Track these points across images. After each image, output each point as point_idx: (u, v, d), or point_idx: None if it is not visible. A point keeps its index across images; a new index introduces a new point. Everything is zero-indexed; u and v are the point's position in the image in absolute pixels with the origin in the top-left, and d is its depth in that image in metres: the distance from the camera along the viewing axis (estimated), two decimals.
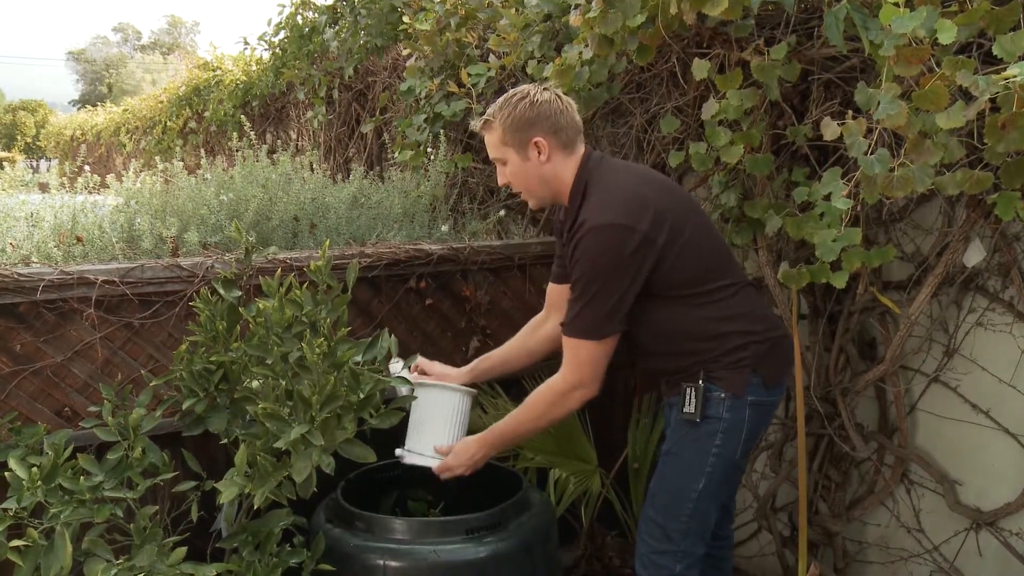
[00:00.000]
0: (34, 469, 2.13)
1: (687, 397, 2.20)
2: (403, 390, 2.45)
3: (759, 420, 2.26)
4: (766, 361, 2.22)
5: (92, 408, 2.38)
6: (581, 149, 2.26)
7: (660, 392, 2.53)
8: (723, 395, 2.18)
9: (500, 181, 2.30)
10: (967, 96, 1.91)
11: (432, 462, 2.47)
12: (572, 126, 2.23)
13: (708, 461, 2.21)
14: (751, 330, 2.23)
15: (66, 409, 2.49)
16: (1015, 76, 1.77)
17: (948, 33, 1.86)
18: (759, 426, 2.28)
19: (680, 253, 2.14)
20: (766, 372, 2.22)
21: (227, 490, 2.23)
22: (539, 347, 2.63)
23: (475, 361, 2.69)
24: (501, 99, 2.24)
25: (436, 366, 2.63)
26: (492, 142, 2.26)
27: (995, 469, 2.61)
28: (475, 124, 2.32)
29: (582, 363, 2.19)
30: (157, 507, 2.32)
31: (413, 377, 2.52)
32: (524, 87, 2.26)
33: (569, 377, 2.22)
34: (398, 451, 2.52)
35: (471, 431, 2.50)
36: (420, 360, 2.60)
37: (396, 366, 2.51)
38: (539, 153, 2.21)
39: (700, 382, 2.19)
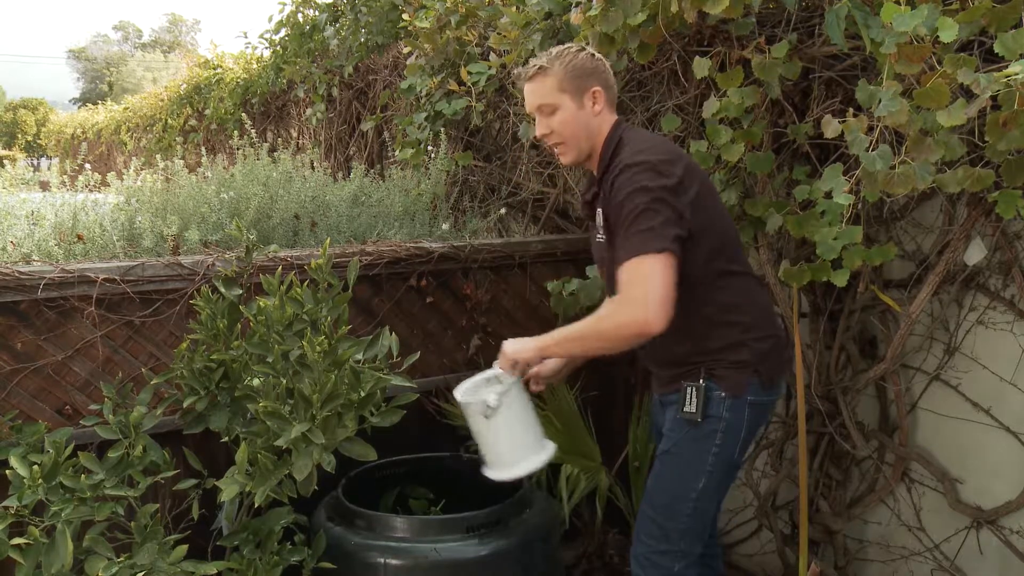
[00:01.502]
0: (35, 467, 2.14)
1: (688, 396, 2.17)
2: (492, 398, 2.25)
3: (757, 419, 2.25)
4: (766, 361, 2.21)
5: (93, 406, 2.38)
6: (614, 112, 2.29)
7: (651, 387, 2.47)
8: (723, 394, 2.16)
9: (539, 132, 2.25)
10: (968, 94, 1.91)
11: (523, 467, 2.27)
12: (613, 88, 2.27)
13: (708, 460, 2.19)
14: (755, 324, 2.20)
15: (67, 407, 2.49)
16: (1016, 74, 1.77)
17: (949, 31, 1.86)
18: (757, 425, 2.27)
19: (703, 222, 2.11)
20: (765, 373, 2.20)
21: (228, 488, 2.24)
22: None
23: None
24: (554, 50, 2.22)
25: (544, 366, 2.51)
26: (544, 88, 2.21)
27: (996, 467, 2.61)
28: (524, 71, 2.26)
29: (637, 293, 1.99)
30: (158, 505, 2.32)
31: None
32: (571, 43, 2.28)
33: (624, 309, 2.01)
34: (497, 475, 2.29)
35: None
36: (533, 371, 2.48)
37: (461, 389, 2.33)
38: (594, 103, 2.21)
39: (701, 381, 2.16)
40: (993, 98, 1.84)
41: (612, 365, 2.29)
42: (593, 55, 2.22)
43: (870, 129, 2.08)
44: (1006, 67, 1.80)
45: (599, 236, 2.25)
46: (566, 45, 2.25)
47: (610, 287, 2.24)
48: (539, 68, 2.21)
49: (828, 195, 2.24)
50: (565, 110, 2.20)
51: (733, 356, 2.17)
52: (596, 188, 2.23)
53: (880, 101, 1.98)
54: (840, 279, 2.35)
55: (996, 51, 1.87)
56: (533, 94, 2.23)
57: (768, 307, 2.31)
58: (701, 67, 2.56)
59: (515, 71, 2.32)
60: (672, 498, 2.23)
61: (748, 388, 2.17)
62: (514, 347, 2.23)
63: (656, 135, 2.31)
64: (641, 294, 1.98)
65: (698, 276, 2.13)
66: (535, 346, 2.21)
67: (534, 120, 2.27)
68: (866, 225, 2.64)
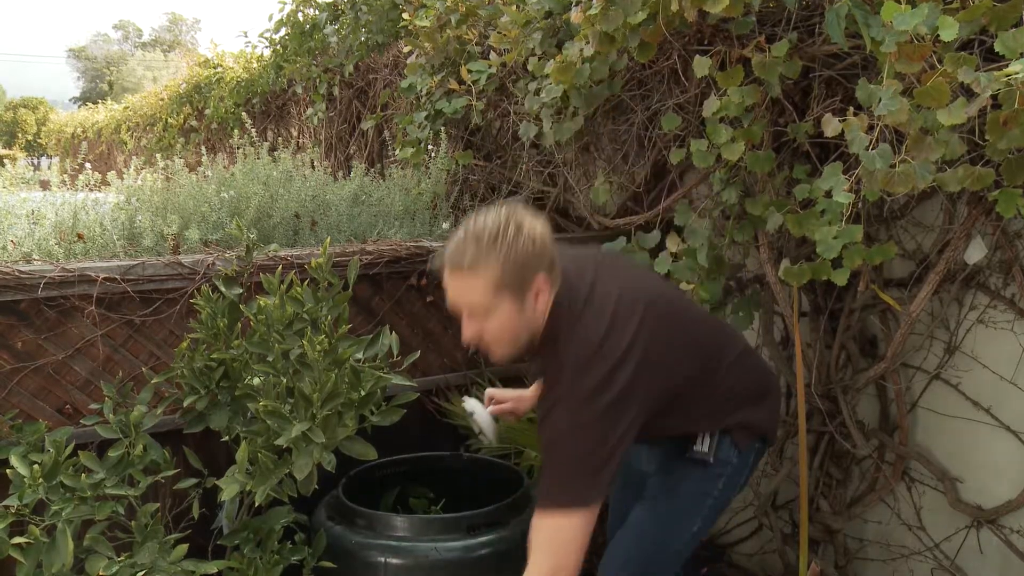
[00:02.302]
0: (35, 466, 2.14)
1: (700, 438, 2.08)
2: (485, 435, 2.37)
3: (757, 461, 2.22)
4: (770, 423, 2.20)
5: (93, 405, 2.38)
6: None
7: None
8: (732, 443, 2.11)
9: (466, 335, 1.87)
10: (968, 93, 1.90)
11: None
12: (557, 260, 1.88)
13: (708, 503, 2.12)
14: (757, 399, 2.15)
15: (67, 406, 2.49)
16: (1017, 73, 1.76)
17: (950, 30, 1.86)
18: (755, 468, 2.24)
19: (672, 380, 1.95)
20: (771, 432, 2.20)
21: (228, 487, 2.24)
22: None
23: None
24: (487, 230, 1.79)
25: (509, 392, 2.43)
26: (474, 289, 1.80)
27: (996, 466, 2.61)
28: (447, 258, 1.84)
29: (556, 550, 1.81)
30: (158, 504, 2.32)
31: (469, 408, 2.40)
32: (503, 214, 1.82)
33: (542, 567, 1.81)
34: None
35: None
36: (492, 391, 2.43)
37: (470, 403, 2.40)
38: (536, 298, 1.84)
39: (718, 432, 2.11)
40: (993, 97, 1.84)
41: None
42: (534, 235, 1.81)
43: (870, 128, 2.07)
44: (1006, 66, 1.80)
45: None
46: (496, 218, 1.81)
47: None
48: (469, 265, 1.78)
49: (828, 194, 2.23)
50: (500, 312, 1.82)
51: (741, 424, 2.12)
52: (542, 369, 1.95)
53: (880, 100, 1.98)
54: (840, 278, 2.35)
55: (996, 50, 1.86)
56: (463, 292, 1.83)
57: (763, 372, 2.24)
58: (701, 66, 2.55)
59: (438, 255, 1.88)
60: (661, 539, 2.14)
61: (753, 442, 2.16)
62: None
63: (606, 291, 1.92)
64: (559, 554, 1.81)
65: (688, 396, 2.02)
66: None
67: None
68: (866, 224, 2.64)
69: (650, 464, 2.26)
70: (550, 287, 1.86)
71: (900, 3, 1.91)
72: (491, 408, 2.40)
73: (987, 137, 1.91)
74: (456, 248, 1.81)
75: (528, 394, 2.42)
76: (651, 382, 1.88)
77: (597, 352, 1.82)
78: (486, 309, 1.81)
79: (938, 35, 1.88)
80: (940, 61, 1.92)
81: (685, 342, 2.01)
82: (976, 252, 2.47)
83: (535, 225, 1.83)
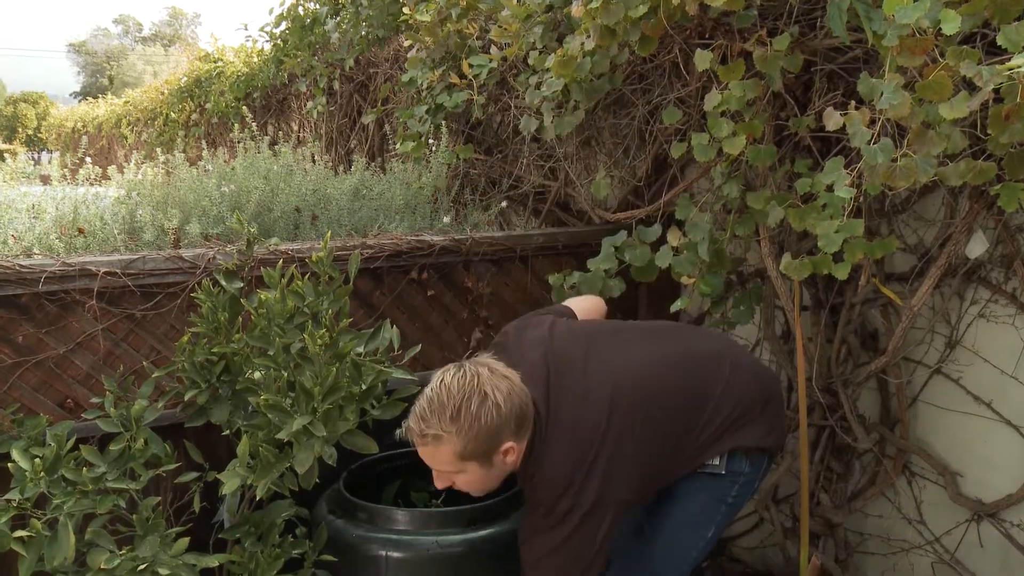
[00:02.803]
0: (37, 460, 2.14)
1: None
2: None
3: (769, 465, 2.26)
4: (775, 441, 2.21)
5: (94, 399, 2.38)
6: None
7: None
8: (743, 454, 2.14)
9: (438, 486, 1.97)
10: (971, 86, 1.90)
11: None
12: (527, 406, 1.91)
13: (721, 511, 2.16)
14: (757, 430, 2.15)
15: (68, 400, 2.49)
16: (1019, 67, 1.76)
17: (952, 23, 1.86)
18: (768, 471, 2.27)
19: (649, 451, 1.99)
20: (775, 448, 2.23)
21: (229, 481, 2.24)
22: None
23: None
24: (450, 406, 1.82)
25: None
26: (442, 458, 1.87)
27: (996, 461, 2.61)
28: (413, 430, 1.88)
29: None
30: (159, 498, 2.32)
31: None
32: (468, 381, 1.84)
33: None
34: None
35: None
36: None
37: None
38: (504, 458, 1.90)
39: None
40: (995, 91, 1.84)
41: None
42: (497, 404, 1.82)
43: (872, 122, 2.07)
44: (1009, 59, 1.80)
45: None
46: (465, 393, 1.83)
47: None
48: (435, 436, 1.83)
49: (830, 188, 2.23)
50: (470, 473, 1.91)
51: (746, 446, 2.14)
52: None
53: (882, 94, 1.98)
54: (841, 272, 2.35)
55: (999, 43, 1.86)
56: (431, 458, 1.91)
57: (759, 380, 2.24)
58: (702, 60, 2.55)
59: (405, 427, 1.91)
60: (675, 548, 2.17)
61: (765, 455, 2.19)
62: None
63: (563, 431, 1.95)
64: None
65: (679, 451, 2.07)
66: None
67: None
68: (868, 218, 2.64)
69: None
70: (519, 443, 1.90)
71: None
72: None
73: (989, 131, 1.91)
74: (421, 417, 1.84)
75: None
76: (631, 471, 1.93)
77: (557, 487, 1.89)
78: (453, 472, 1.91)
79: (940, 29, 1.88)
80: (942, 55, 1.91)
81: (662, 413, 2.03)
82: (977, 246, 2.46)
83: (499, 387, 1.84)
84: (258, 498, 2.25)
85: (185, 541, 2.21)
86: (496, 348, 2.16)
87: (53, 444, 2.17)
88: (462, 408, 1.80)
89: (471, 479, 1.92)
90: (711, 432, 2.10)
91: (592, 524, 1.90)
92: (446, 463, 1.87)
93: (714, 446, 2.10)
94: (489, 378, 1.85)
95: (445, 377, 1.87)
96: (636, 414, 1.98)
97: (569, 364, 2.04)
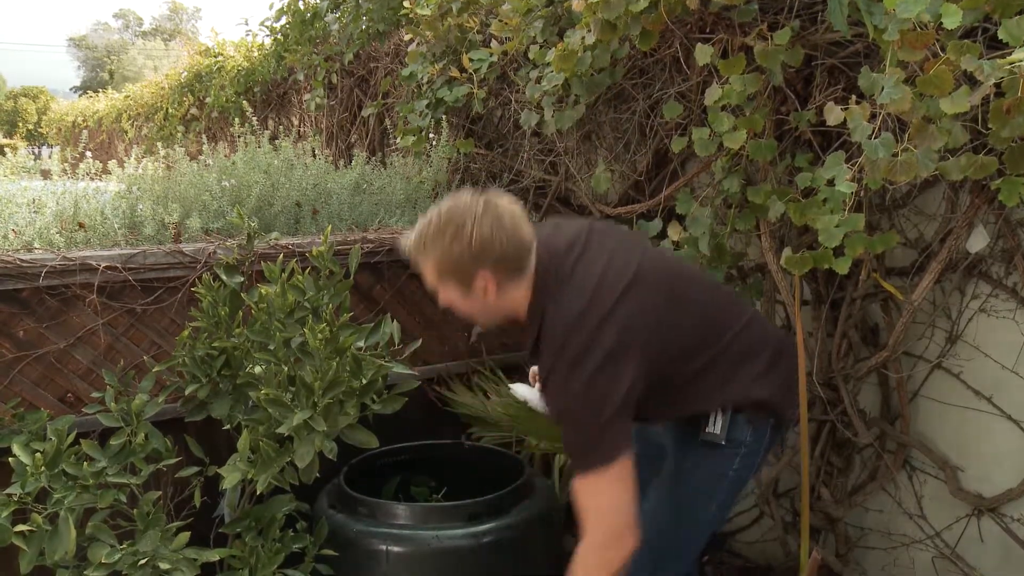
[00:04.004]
0: (38, 455, 2.14)
1: (712, 418, 2.06)
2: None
3: (773, 440, 2.18)
4: (781, 402, 2.16)
5: (95, 394, 2.38)
6: (532, 263, 1.96)
7: None
8: (747, 421, 2.08)
9: (440, 303, 2.02)
10: (972, 81, 1.90)
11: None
12: (521, 248, 1.93)
13: (722, 486, 2.11)
14: (766, 371, 2.11)
15: (69, 395, 2.49)
16: (1021, 60, 1.76)
17: (953, 17, 1.85)
18: (772, 444, 2.20)
19: (660, 359, 1.94)
20: (783, 407, 2.16)
21: (230, 476, 2.24)
22: None
23: None
24: (433, 224, 1.91)
25: None
26: (425, 270, 1.97)
27: (997, 455, 2.61)
28: (405, 247, 1.99)
29: (602, 512, 1.84)
30: (160, 492, 2.33)
31: (518, 391, 2.42)
32: (460, 209, 1.91)
33: (597, 536, 1.85)
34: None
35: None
36: (535, 369, 2.39)
37: (519, 390, 2.41)
38: (484, 290, 1.93)
39: (729, 408, 2.07)
40: (997, 85, 1.83)
41: None
42: (471, 239, 1.87)
43: (873, 116, 2.07)
44: (1010, 54, 1.79)
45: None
46: (446, 217, 1.91)
47: None
48: (416, 250, 1.95)
49: (830, 183, 2.23)
50: (450, 294, 1.97)
51: (753, 402, 2.08)
52: (532, 347, 2.00)
53: (883, 88, 1.98)
54: (842, 267, 2.35)
55: (1000, 37, 1.85)
56: (422, 271, 1.99)
57: (773, 340, 2.20)
58: (703, 54, 2.55)
59: (402, 242, 2.02)
60: (677, 523, 2.12)
61: (766, 418, 2.12)
62: None
63: (588, 271, 1.96)
64: (608, 515, 1.84)
65: (684, 375, 2.02)
66: None
67: None
68: (868, 213, 2.63)
69: (665, 437, 2.22)
70: (499, 278, 1.92)
71: None
72: (538, 385, 2.37)
73: (990, 125, 1.90)
74: (415, 231, 1.96)
75: None
76: (641, 352, 1.88)
77: (575, 324, 1.87)
78: (437, 288, 1.97)
79: (941, 23, 1.87)
80: (943, 49, 1.91)
81: (679, 313, 2.00)
82: (978, 241, 2.46)
83: (484, 225, 1.88)
84: (259, 492, 2.26)
85: (186, 535, 2.21)
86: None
87: (54, 438, 2.17)
88: (438, 235, 1.90)
89: (453, 299, 1.97)
90: (719, 373, 2.05)
91: (606, 377, 1.84)
92: (428, 278, 1.97)
93: (718, 392, 2.04)
94: (479, 213, 1.89)
95: (447, 202, 1.96)
96: (659, 293, 1.96)
97: (601, 236, 2.08)
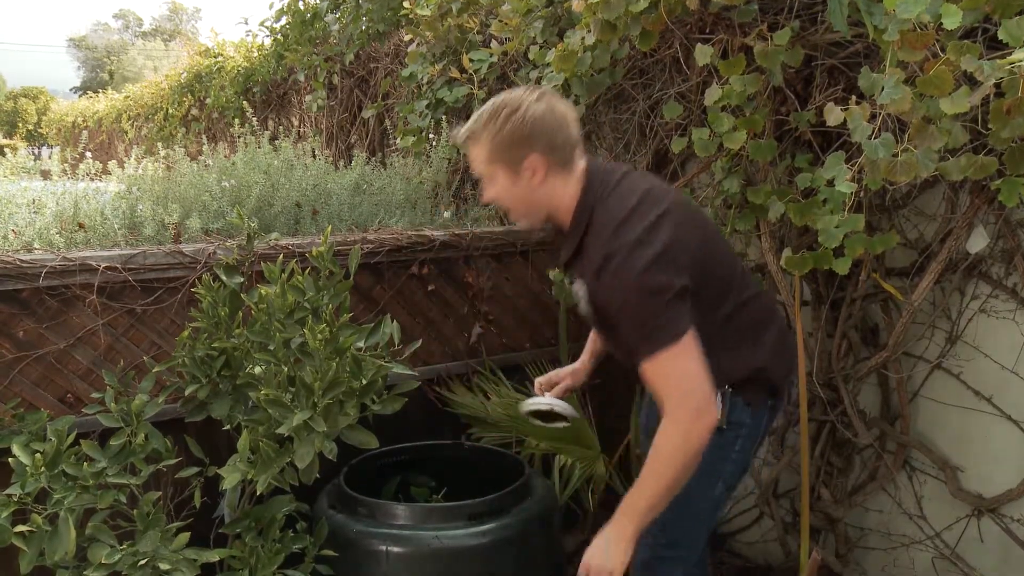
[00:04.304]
0: (37, 455, 2.14)
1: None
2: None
3: (772, 419, 2.21)
4: (778, 374, 2.17)
5: (95, 394, 2.38)
6: (580, 164, 2.03)
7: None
8: (745, 402, 2.10)
9: (485, 197, 2.06)
10: (972, 81, 1.90)
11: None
12: (570, 142, 1.99)
13: (727, 468, 2.13)
14: (771, 348, 2.13)
15: (69, 395, 2.49)
16: (1021, 61, 1.76)
17: (953, 18, 1.85)
18: (769, 424, 2.22)
19: (702, 273, 1.96)
20: (779, 387, 2.17)
21: (230, 476, 2.24)
22: None
23: (588, 345, 2.49)
24: (487, 109, 1.98)
25: (558, 372, 2.48)
26: (477, 157, 2.02)
27: (997, 455, 2.61)
28: (457, 137, 2.07)
29: (678, 387, 1.86)
30: (160, 493, 2.32)
31: (538, 402, 2.42)
32: (515, 95, 1.98)
33: (677, 412, 1.86)
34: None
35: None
36: (540, 379, 2.47)
37: (531, 404, 2.40)
38: (532, 174, 1.97)
39: (727, 387, 2.07)
40: (997, 85, 1.83)
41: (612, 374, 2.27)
42: (526, 117, 1.94)
43: (873, 117, 2.07)
44: (1010, 54, 1.79)
45: (583, 304, 2.07)
46: (501, 101, 1.98)
47: (611, 344, 2.20)
48: (469, 135, 2.01)
49: (830, 183, 2.23)
50: (498, 183, 2.01)
51: (753, 376, 2.10)
52: (571, 253, 2.04)
53: (883, 88, 1.98)
54: (842, 267, 2.35)
55: (1000, 38, 1.85)
56: (471, 160, 2.05)
57: (780, 323, 2.22)
58: (703, 54, 2.55)
59: (453, 132, 2.10)
60: (685, 506, 2.11)
61: (765, 396, 2.14)
62: (600, 562, 1.98)
63: (634, 195, 1.99)
64: (684, 388, 1.86)
65: (710, 320, 2.01)
66: (623, 551, 1.96)
67: None
68: (868, 213, 2.63)
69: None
70: (549, 165, 1.97)
71: None
72: (550, 394, 2.44)
73: (990, 126, 1.90)
74: (469, 121, 2.02)
75: (578, 365, 2.48)
76: (685, 263, 1.91)
77: (631, 215, 1.92)
78: (486, 176, 2.02)
79: (941, 23, 1.87)
80: (943, 49, 1.91)
81: (711, 254, 2.03)
82: (978, 241, 2.46)
83: (538, 108, 1.95)
84: (258, 493, 2.26)
85: (185, 536, 2.21)
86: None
87: (54, 439, 2.17)
88: (494, 116, 1.96)
89: (500, 191, 2.01)
90: (735, 332, 2.08)
91: (663, 265, 1.86)
92: (479, 165, 2.02)
93: (731, 355, 2.06)
94: (533, 99, 1.97)
95: (502, 94, 2.03)
96: (696, 228, 2.03)
97: (646, 177, 2.14)
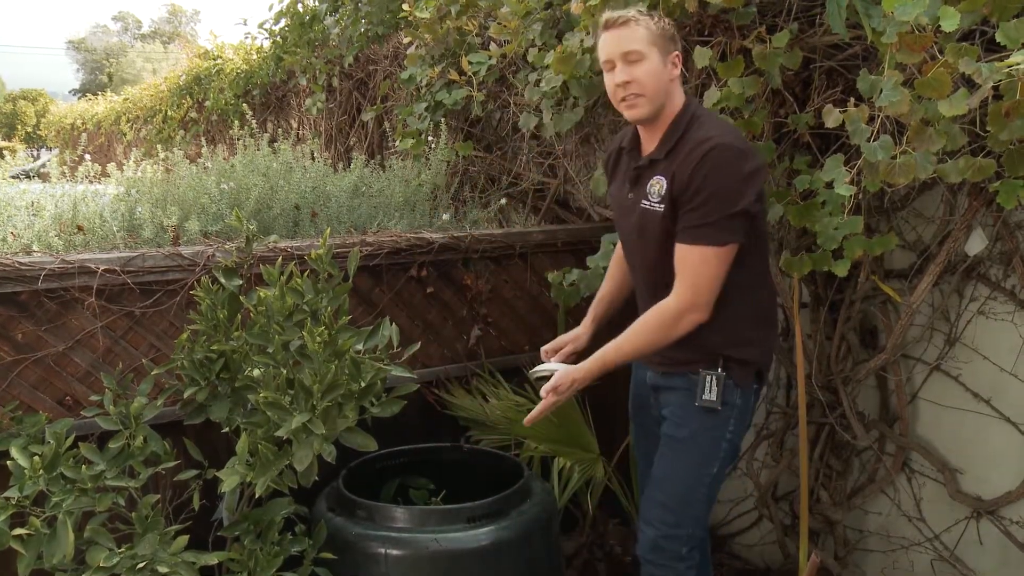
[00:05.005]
0: (36, 458, 2.14)
1: (707, 385, 2.21)
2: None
3: (757, 400, 2.35)
4: (766, 359, 2.33)
5: (94, 397, 2.38)
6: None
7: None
8: (734, 383, 2.22)
9: (619, 79, 2.14)
10: (970, 83, 1.90)
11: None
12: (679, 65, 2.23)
13: (722, 447, 2.25)
14: (771, 323, 2.35)
15: (68, 398, 2.49)
16: (1018, 63, 1.76)
17: (951, 20, 1.85)
18: (757, 405, 2.38)
19: (759, 224, 2.17)
20: (764, 369, 2.33)
21: (229, 479, 2.24)
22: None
23: (591, 311, 2.59)
24: (634, 10, 2.15)
25: (562, 338, 2.56)
26: (634, 36, 2.12)
27: (996, 458, 2.61)
28: (612, 16, 2.16)
29: (699, 280, 2.10)
30: (159, 496, 2.32)
31: (544, 368, 2.43)
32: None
33: (684, 297, 2.11)
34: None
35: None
36: (546, 347, 2.54)
37: (539, 370, 2.41)
38: (674, 67, 2.17)
39: (720, 369, 2.20)
40: (995, 88, 1.84)
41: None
42: (670, 25, 2.20)
43: (871, 119, 2.07)
44: (1008, 56, 1.79)
45: (648, 204, 2.21)
46: (647, 9, 2.22)
47: (641, 252, 2.29)
48: (631, 17, 2.14)
49: (829, 185, 2.23)
50: (651, 62, 2.12)
51: (744, 352, 2.23)
52: (655, 156, 2.19)
53: (881, 91, 1.98)
54: (841, 269, 2.35)
55: (998, 40, 1.86)
56: (621, 40, 2.13)
57: (774, 301, 2.38)
58: (702, 56, 2.55)
59: (602, 16, 2.20)
60: (687, 486, 2.27)
61: (752, 379, 2.26)
62: (561, 385, 2.24)
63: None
64: (704, 297, 2.11)
65: (744, 275, 2.18)
66: (587, 371, 2.23)
67: (605, 72, 2.20)
68: (867, 215, 2.64)
69: (664, 408, 2.35)
70: (679, 68, 2.19)
71: None
72: (555, 359, 2.49)
73: (988, 128, 1.91)
74: (617, 12, 2.16)
75: (580, 330, 2.55)
76: (760, 194, 2.13)
77: (732, 131, 2.16)
78: (641, 55, 2.12)
79: (939, 25, 1.88)
80: (941, 52, 1.91)
81: (762, 208, 2.20)
82: (977, 243, 2.46)
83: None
84: (257, 496, 2.25)
85: (184, 539, 2.21)
86: None
87: (52, 442, 2.17)
88: (648, 13, 2.16)
89: (649, 70, 2.13)
90: (754, 301, 2.26)
91: (759, 181, 2.10)
92: (637, 41, 2.11)
93: (741, 325, 2.22)
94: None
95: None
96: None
97: None
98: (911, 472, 2.84)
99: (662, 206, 2.16)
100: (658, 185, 2.17)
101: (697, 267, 2.10)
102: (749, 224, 2.10)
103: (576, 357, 2.42)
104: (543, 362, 2.46)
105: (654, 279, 2.26)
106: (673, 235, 2.15)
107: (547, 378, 2.40)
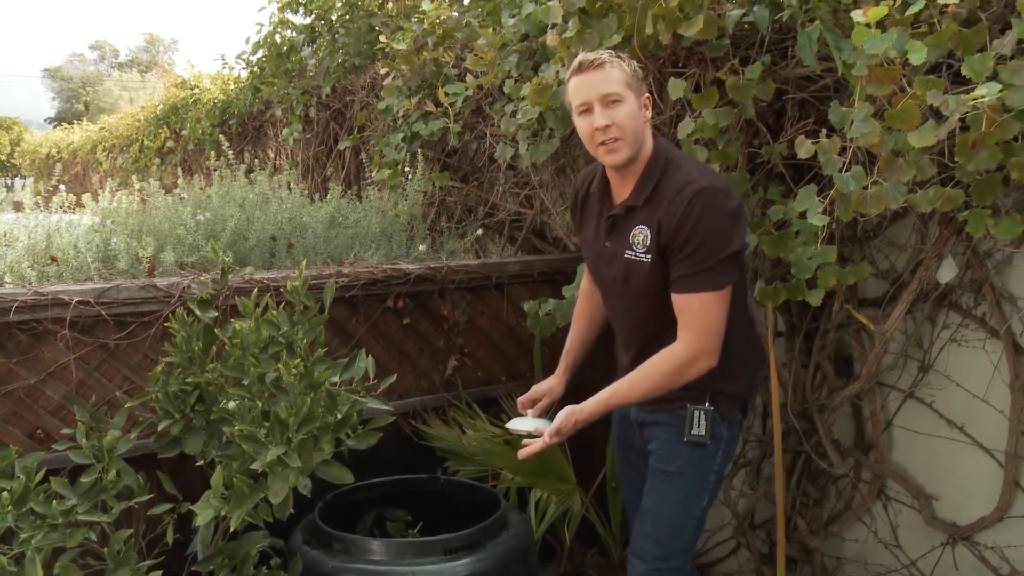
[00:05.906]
0: (5, 493, 2.10)
1: (696, 420, 2.20)
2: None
3: (740, 430, 2.36)
4: (752, 392, 2.36)
5: (66, 430, 2.35)
6: None
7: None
8: (721, 417, 2.23)
9: (601, 122, 2.11)
10: (938, 115, 1.93)
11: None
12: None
13: (711, 479, 2.26)
14: (757, 357, 2.38)
15: (39, 431, 2.46)
16: (983, 96, 1.79)
17: (918, 54, 1.89)
18: (741, 431, 2.40)
19: (743, 251, 2.19)
20: (750, 401, 2.35)
21: (203, 512, 2.21)
22: (602, 313, 2.53)
23: (562, 362, 2.58)
24: (605, 52, 2.16)
25: (537, 388, 2.55)
26: (611, 79, 2.12)
27: (970, 484, 2.62)
28: (587, 58, 2.14)
29: (706, 325, 2.09)
30: (132, 530, 2.29)
31: (522, 425, 2.42)
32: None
33: (693, 344, 2.09)
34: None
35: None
36: (521, 398, 2.52)
37: (516, 424, 2.40)
38: (647, 110, 2.18)
39: (708, 404, 2.20)
40: (962, 119, 1.87)
41: (590, 382, 2.29)
42: (638, 69, 2.22)
43: (843, 150, 2.10)
44: (973, 89, 1.83)
45: (634, 255, 2.19)
46: (610, 51, 2.22)
47: (628, 301, 2.27)
48: (606, 59, 2.13)
49: (803, 215, 2.26)
50: (629, 104, 2.12)
51: (732, 387, 2.24)
52: (631, 203, 2.18)
53: (852, 122, 2.01)
54: (815, 298, 2.37)
55: (963, 73, 1.90)
56: (598, 83, 2.12)
57: (759, 342, 2.43)
58: (676, 88, 2.58)
59: (577, 59, 2.18)
60: (678, 519, 2.27)
61: (737, 412, 2.29)
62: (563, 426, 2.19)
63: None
64: (713, 342, 2.10)
65: (733, 309, 2.18)
66: (584, 420, 2.20)
67: (579, 115, 2.17)
68: (840, 244, 2.66)
69: (650, 442, 2.34)
70: (651, 110, 2.22)
71: (870, 27, 1.94)
72: (533, 411, 2.49)
73: (956, 159, 1.94)
74: (591, 54, 2.16)
75: (553, 381, 2.55)
76: (745, 231, 2.17)
77: (708, 171, 2.18)
78: (620, 96, 2.11)
79: (907, 59, 1.91)
80: (910, 84, 1.95)
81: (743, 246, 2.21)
82: (948, 272, 2.49)
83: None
84: (232, 529, 2.23)
85: (158, 574, 2.18)
86: None
87: (22, 476, 2.14)
88: (618, 55, 2.17)
89: (629, 111, 2.12)
90: (742, 339, 2.26)
91: (738, 221, 2.10)
92: (614, 84, 2.11)
93: (731, 361, 2.19)
94: None
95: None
96: None
97: None
98: (887, 499, 2.85)
99: (649, 256, 2.15)
100: (642, 235, 2.16)
101: (701, 314, 2.09)
102: (740, 261, 2.12)
103: (553, 408, 2.42)
104: (521, 414, 2.46)
105: (643, 329, 2.27)
106: (663, 283, 2.14)
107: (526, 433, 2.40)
